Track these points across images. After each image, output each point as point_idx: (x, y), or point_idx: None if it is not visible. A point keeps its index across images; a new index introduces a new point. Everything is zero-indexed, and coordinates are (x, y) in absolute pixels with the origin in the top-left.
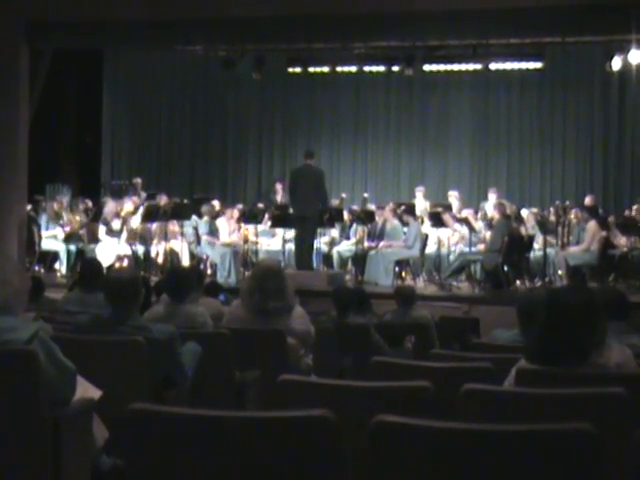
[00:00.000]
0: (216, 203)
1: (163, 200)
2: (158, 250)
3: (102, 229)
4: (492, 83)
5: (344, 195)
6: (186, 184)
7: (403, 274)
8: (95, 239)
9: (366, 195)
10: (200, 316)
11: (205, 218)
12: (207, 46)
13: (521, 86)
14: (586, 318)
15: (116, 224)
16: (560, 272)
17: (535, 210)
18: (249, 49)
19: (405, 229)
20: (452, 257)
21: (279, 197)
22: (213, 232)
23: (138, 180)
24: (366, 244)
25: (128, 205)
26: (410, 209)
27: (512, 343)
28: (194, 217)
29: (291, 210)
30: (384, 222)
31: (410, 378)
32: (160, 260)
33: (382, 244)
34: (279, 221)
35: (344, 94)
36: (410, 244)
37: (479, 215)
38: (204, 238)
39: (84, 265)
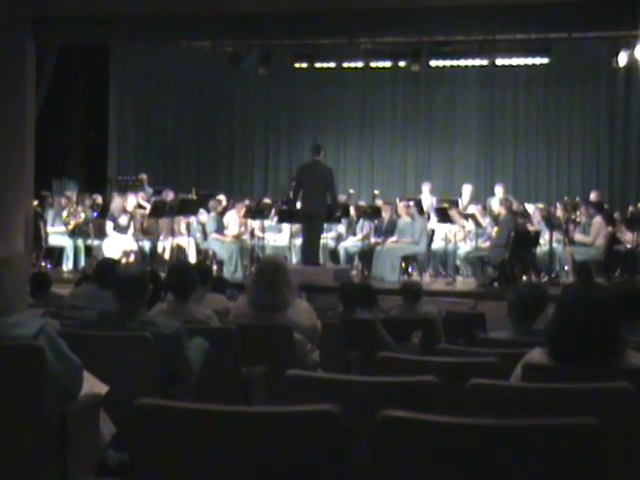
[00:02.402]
0: (222, 198)
1: (170, 196)
2: (165, 246)
3: (109, 224)
4: (498, 79)
5: (352, 191)
6: (192, 180)
7: (409, 270)
8: (102, 234)
9: (377, 192)
10: (207, 318)
11: (212, 214)
12: (213, 41)
13: (527, 82)
14: (612, 316)
15: (123, 220)
16: (566, 267)
17: (541, 205)
18: (255, 44)
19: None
20: (459, 252)
21: (291, 194)
22: (220, 228)
23: (143, 176)
24: (372, 240)
25: (135, 200)
26: (417, 204)
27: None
28: (202, 211)
29: (297, 205)
30: (392, 218)
31: (416, 373)
32: (167, 256)
33: (390, 240)
34: (286, 216)
35: (350, 90)
36: (417, 240)
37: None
38: (212, 235)
39: (100, 262)
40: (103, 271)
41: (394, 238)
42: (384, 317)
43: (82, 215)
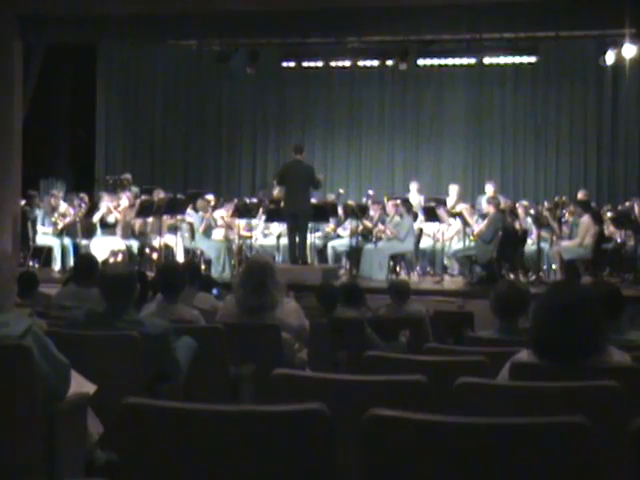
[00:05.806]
0: (211, 198)
1: (160, 195)
2: (153, 245)
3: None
4: (486, 77)
5: (342, 191)
6: (180, 179)
7: (397, 268)
8: (90, 234)
9: (371, 192)
10: (194, 318)
11: (200, 213)
12: (201, 41)
13: (515, 80)
14: (593, 312)
15: (111, 219)
16: (554, 266)
17: (525, 203)
18: (243, 43)
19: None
20: (447, 251)
21: (276, 192)
22: (207, 227)
23: (127, 176)
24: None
25: (123, 200)
26: (405, 203)
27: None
28: (190, 211)
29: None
30: (381, 216)
31: (404, 372)
32: (155, 255)
33: (380, 228)
34: (273, 215)
35: (338, 89)
36: (402, 237)
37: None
38: (200, 232)
39: (79, 260)
40: (83, 269)
41: (382, 227)
42: (372, 316)
43: (72, 217)
